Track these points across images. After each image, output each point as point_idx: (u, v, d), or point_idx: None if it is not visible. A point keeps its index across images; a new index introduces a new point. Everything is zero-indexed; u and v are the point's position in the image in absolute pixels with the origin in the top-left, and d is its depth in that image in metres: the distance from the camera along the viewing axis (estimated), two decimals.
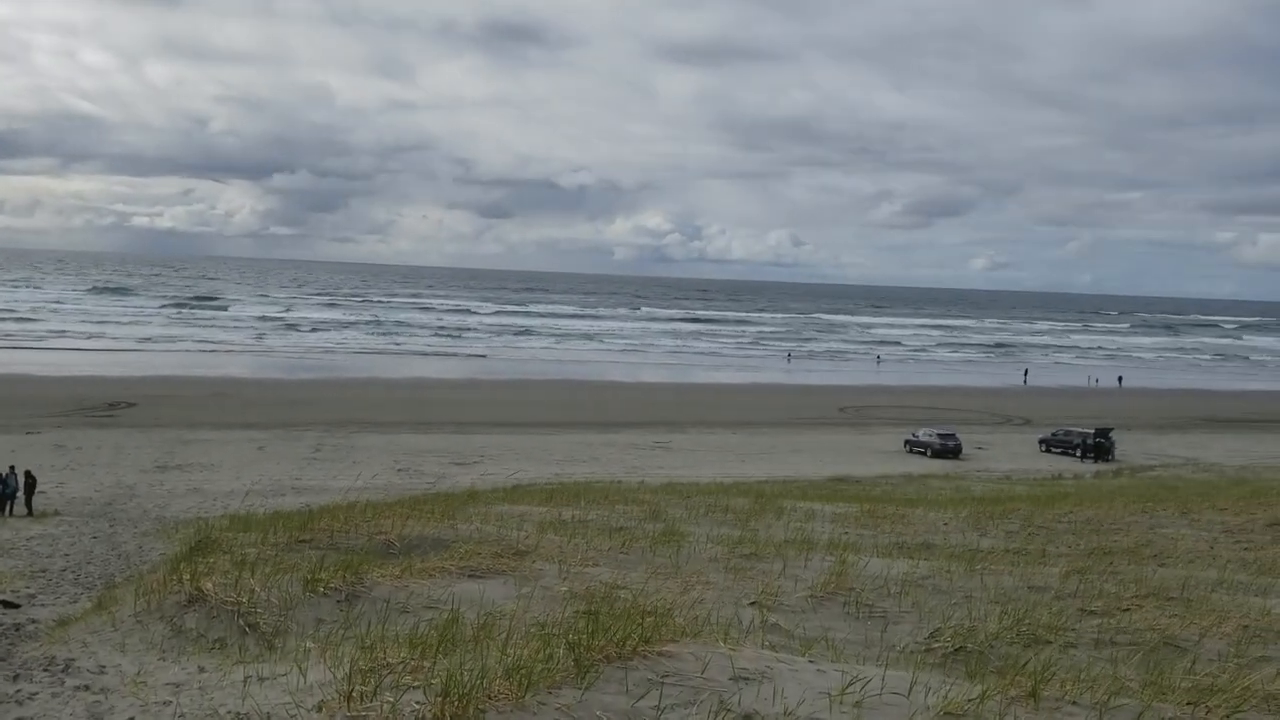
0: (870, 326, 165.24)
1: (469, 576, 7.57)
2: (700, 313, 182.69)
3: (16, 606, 9.09)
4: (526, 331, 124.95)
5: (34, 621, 8.31)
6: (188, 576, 6.92)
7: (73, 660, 5.63)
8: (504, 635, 4.98)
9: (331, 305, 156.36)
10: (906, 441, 48.10)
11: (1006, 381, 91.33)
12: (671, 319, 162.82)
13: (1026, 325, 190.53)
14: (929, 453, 46.11)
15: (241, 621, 6.03)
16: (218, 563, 7.53)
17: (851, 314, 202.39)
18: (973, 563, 7.91)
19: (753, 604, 6.61)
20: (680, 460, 41.74)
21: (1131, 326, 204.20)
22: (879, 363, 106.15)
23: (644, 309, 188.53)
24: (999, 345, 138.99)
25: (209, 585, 6.81)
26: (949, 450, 46.02)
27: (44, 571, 14.44)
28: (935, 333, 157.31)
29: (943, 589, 7.16)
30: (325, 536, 9.24)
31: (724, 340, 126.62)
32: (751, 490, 15.16)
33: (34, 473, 27.45)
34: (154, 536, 20.67)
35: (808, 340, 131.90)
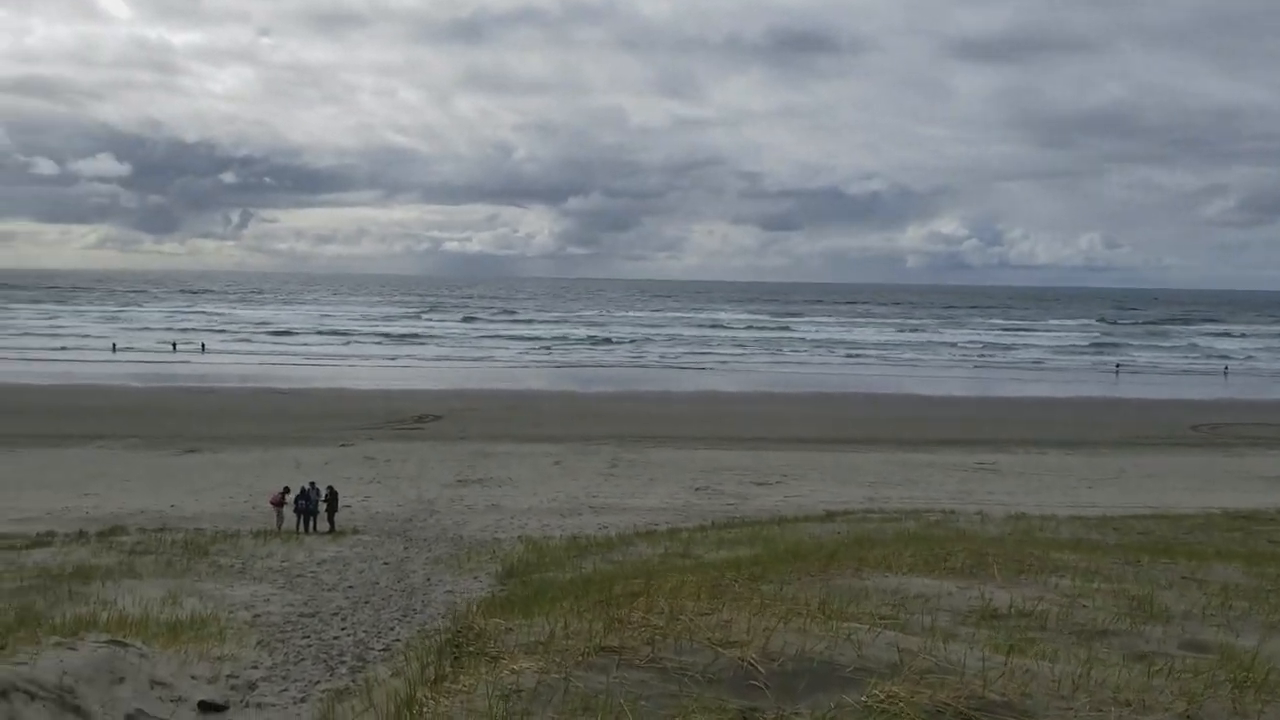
0: (1207, 334, 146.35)
1: None
2: (1006, 322, 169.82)
3: (221, 709, 6.64)
4: (817, 344, 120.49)
5: None
6: None
7: None
8: None
9: (622, 320, 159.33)
10: None
11: None
12: (975, 328, 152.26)
13: None
14: None
15: None
16: (469, 701, 4.54)
17: (1184, 321, 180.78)
18: None
19: None
20: (1014, 485, 36.25)
21: None
22: (1226, 374, 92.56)
23: (945, 316, 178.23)
24: None
25: None
26: None
27: (313, 615, 12.54)
28: None
29: None
30: (642, 638, 5.84)
31: (1036, 350, 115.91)
32: (1212, 551, 10.61)
33: (337, 488, 27.03)
34: (445, 564, 19.03)
35: (1134, 349, 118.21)
